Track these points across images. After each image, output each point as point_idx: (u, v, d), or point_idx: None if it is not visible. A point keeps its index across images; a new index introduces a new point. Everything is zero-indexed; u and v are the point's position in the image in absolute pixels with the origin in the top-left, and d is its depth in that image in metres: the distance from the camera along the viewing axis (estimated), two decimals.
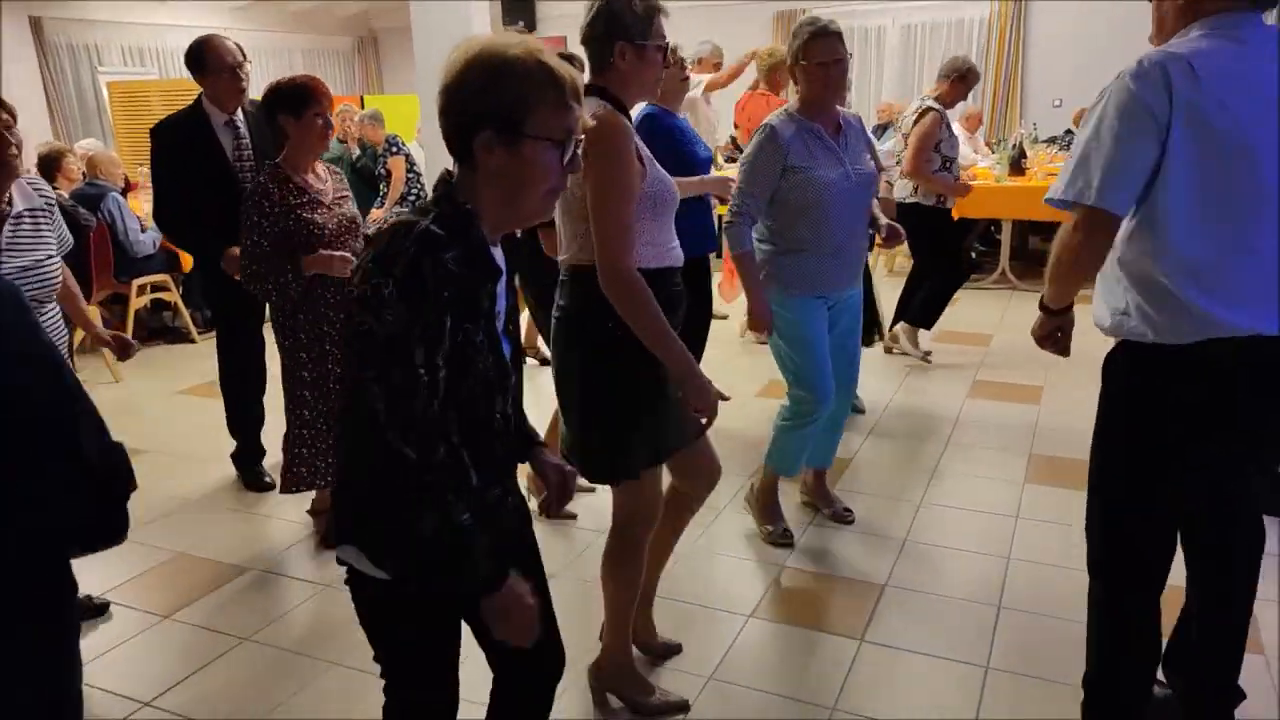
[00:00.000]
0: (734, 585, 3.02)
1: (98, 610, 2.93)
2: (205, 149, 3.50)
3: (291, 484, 3.24)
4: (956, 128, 5.46)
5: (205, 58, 3.46)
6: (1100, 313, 1.94)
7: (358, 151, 7.18)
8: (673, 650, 2.64)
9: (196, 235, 3.61)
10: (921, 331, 5.40)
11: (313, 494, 3.45)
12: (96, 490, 1.19)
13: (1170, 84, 1.70)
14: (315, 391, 3.17)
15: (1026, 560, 3.06)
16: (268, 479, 3.85)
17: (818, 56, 2.86)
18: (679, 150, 3.62)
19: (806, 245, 2.95)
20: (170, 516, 3.65)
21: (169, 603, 3.01)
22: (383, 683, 1.60)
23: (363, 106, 7.85)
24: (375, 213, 6.93)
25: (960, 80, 4.89)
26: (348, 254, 3.04)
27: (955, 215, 5.25)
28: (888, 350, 5.37)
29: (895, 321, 5.39)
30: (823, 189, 2.88)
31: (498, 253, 1.44)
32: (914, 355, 5.28)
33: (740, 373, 5.19)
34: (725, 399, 2.13)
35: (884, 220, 3.24)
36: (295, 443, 3.21)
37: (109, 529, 1.17)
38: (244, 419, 3.91)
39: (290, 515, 3.61)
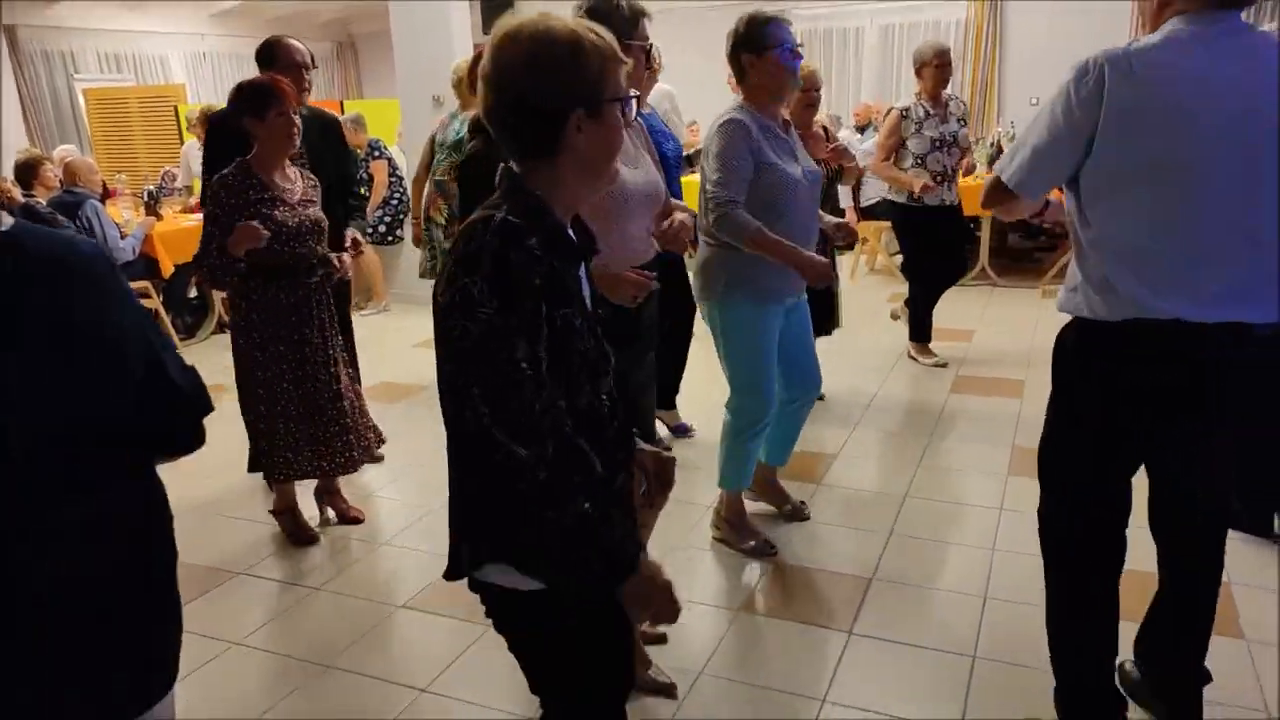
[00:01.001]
0: (723, 580, 3.04)
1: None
2: None
3: (260, 469, 3.38)
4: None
5: (276, 52, 3.62)
6: (1060, 295, 2.04)
7: None
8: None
9: None
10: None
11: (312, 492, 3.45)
12: (187, 410, 1.33)
13: (1104, 84, 1.80)
14: (268, 391, 3.23)
15: (1011, 551, 3.09)
16: None
17: (779, 42, 2.77)
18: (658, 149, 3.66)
19: None
20: None
21: None
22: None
23: (342, 111, 7.83)
24: None
25: (924, 68, 4.88)
26: (258, 225, 3.03)
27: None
28: (912, 358, 5.35)
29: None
30: (789, 186, 2.79)
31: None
32: (926, 364, 5.24)
33: None
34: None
35: (831, 220, 3.22)
36: (256, 436, 3.32)
37: (194, 440, 1.33)
38: None
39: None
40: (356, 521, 3.54)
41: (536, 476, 1.25)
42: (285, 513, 3.45)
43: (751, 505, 3.35)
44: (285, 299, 3.17)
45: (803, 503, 3.46)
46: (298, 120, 3.14)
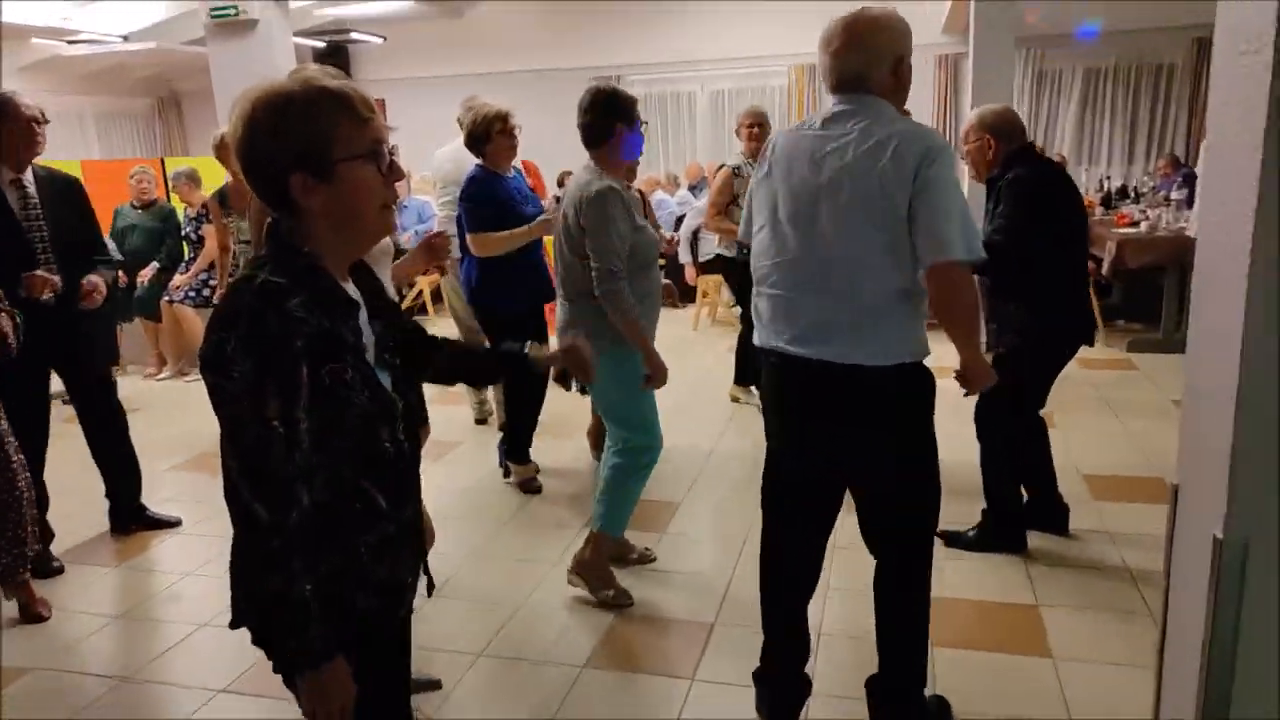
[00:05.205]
0: (567, 636, 3.01)
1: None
2: None
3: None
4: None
5: (5, 109, 3.32)
6: None
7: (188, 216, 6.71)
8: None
9: None
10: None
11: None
12: None
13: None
14: None
15: (844, 589, 3.21)
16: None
17: (633, 118, 3.08)
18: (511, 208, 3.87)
19: (645, 296, 3.05)
20: None
21: None
22: None
23: (164, 169, 7.48)
24: (179, 279, 6.58)
25: (740, 130, 5.21)
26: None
27: None
28: (734, 400, 5.60)
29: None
30: (654, 244, 3.13)
31: (350, 287, 1.42)
32: (749, 403, 5.44)
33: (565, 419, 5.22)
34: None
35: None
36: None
37: None
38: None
39: None
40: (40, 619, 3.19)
41: (270, 541, 1.26)
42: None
43: None
44: None
45: (648, 549, 3.52)
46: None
